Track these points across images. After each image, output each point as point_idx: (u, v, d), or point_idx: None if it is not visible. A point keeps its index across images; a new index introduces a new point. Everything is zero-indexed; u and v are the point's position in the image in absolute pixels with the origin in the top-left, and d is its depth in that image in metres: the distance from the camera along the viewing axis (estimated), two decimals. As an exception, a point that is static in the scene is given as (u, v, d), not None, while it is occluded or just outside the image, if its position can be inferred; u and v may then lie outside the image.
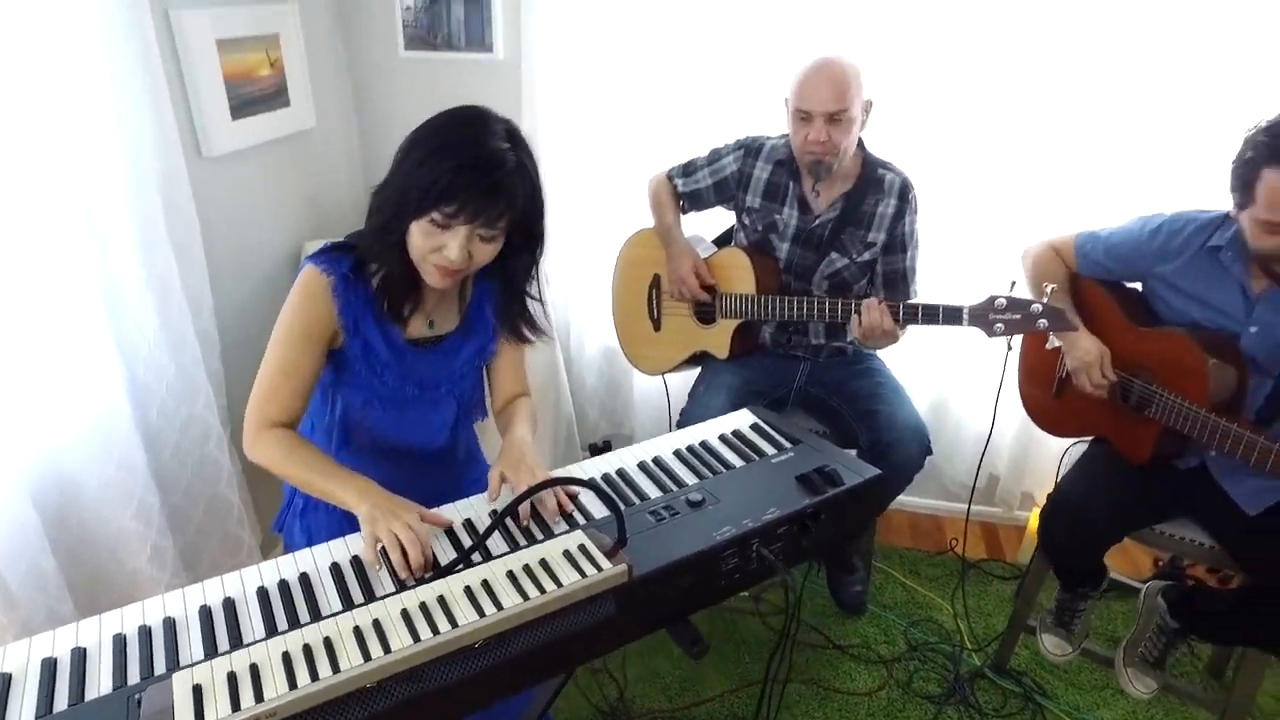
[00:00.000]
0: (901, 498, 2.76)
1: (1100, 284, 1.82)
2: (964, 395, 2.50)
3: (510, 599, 1.02)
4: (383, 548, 1.15)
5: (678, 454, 1.46)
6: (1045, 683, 2.11)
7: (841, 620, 2.31)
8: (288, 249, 2.28)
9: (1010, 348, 1.87)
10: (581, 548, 1.10)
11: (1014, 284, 1.61)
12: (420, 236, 1.24)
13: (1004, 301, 1.59)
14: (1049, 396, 1.95)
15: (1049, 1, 2.01)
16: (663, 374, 2.27)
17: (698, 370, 2.20)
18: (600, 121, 2.37)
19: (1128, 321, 1.75)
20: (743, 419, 1.58)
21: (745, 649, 2.17)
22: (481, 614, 0.99)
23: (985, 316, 1.62)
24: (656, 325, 2.23)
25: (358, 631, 0.96)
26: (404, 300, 1.35)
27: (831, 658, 2.18)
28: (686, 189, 2.12)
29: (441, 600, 1.01)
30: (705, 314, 2.12)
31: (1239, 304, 1.61)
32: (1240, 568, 1.70)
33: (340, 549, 1.21)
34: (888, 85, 2.11)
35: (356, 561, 1.18)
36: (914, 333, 2.24)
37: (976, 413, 2.47)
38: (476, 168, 1.19)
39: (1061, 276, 1.84)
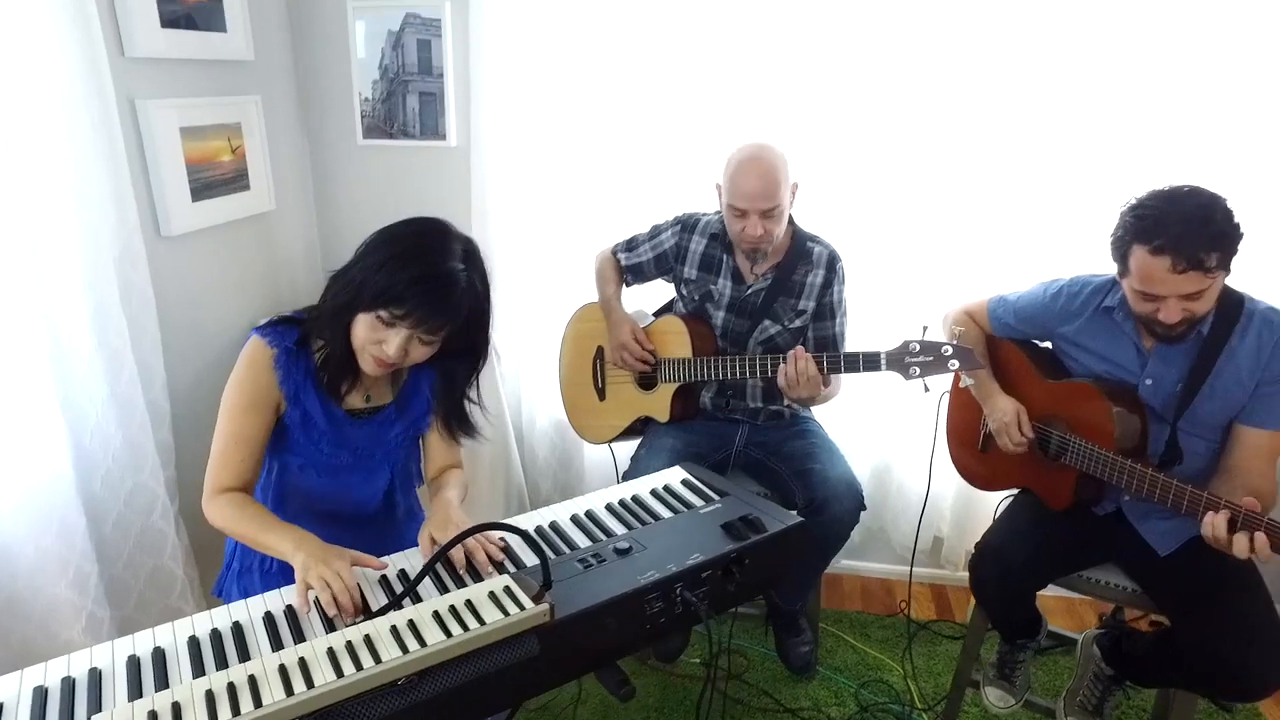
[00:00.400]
0: (852, 562, 2.84)
1: (1015, 343, 1.94)
2: (904, 459, 2.58)
3: (434, 636, 1.05)
4: (316, 598, 1.18)
5: (609, 507, 1.51)
6: (994, 741, 2.13)
7: (792, 684, 2.31)
8: (244, 325, 2.34)
9: (943, 393, 1.98)
10: (506, 589, 1.15)
11: (925, 329, 1.71)
12: (365, 328, 1.34)
13: (917, 346, 1.70)
14: (975, 454, 2.04)
15: (961, 90, 2.21)
16: (609, 442, 2.33)
17: (643, 437, 2.26)
18: (546, 202, 2.50)
19: (1040, 376, 1.86)
20: (674, 475, 1.64)
21: (698, 715, 2.17)
22: (405, 650, 1.03)
23: (901, 360, 1.72)
24: (601, 395, 2.31)
25: (283, 669, 0.99)
26: (342, 379, 1.43)
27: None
28: (629, 262, 2.24)
29: (367, 639, 1.05)
30: (647, 381, 2.21)
31: (1133, 358, 1.73)
32: (1159, 608, 1.77)
33: (274, 599, 1.24)
34: (816, 162, 2.29)
35: (290, 611, 1.21)
36: (851, 398, 2.37)
37: (917, 475, 2.55)
38: (429, 282, 1.30)
39: (977, 337, 1.97)
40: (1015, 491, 2.00)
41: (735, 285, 2.10)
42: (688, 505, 1.51)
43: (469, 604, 1.12)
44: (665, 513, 1.49)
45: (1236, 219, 1.51)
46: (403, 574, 1.32)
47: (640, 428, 2.25)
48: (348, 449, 1.48)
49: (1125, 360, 1.74)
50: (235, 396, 1.40)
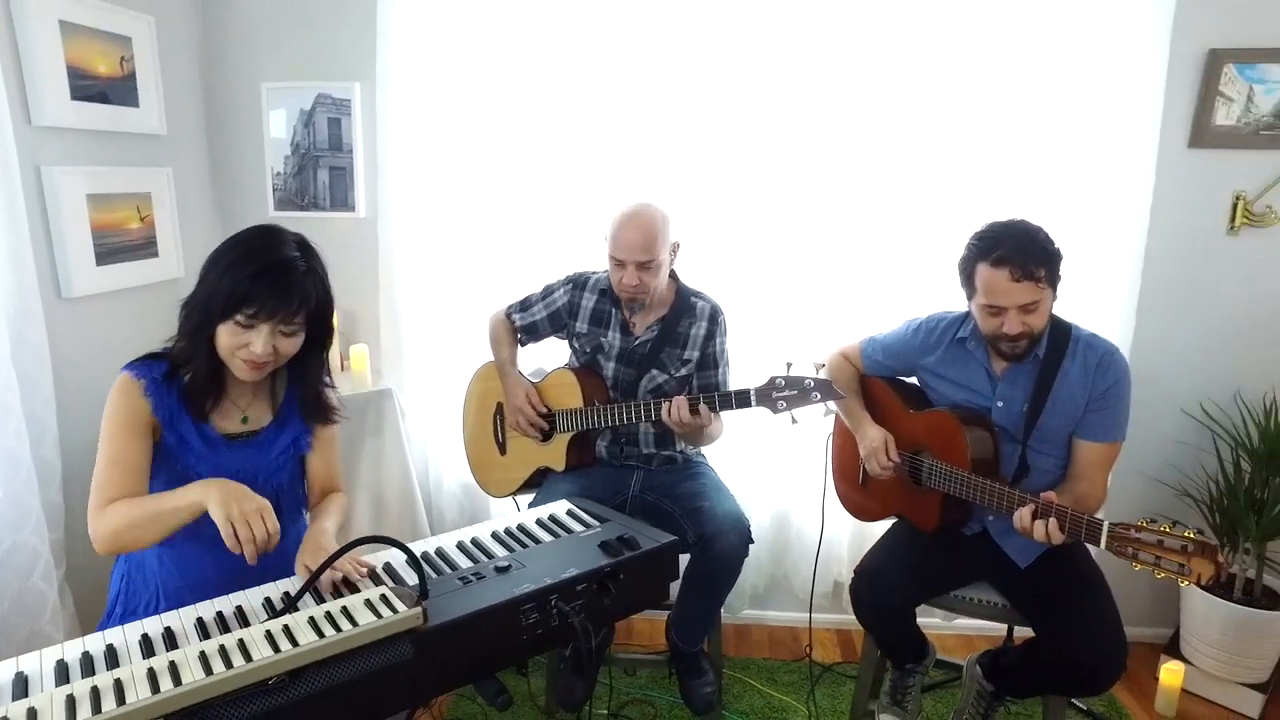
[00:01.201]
0: (758, 612, 2.91)
1: (883, 380, 2.11)
2: (800, 506, 2.70)
3: (306, 637, 1.09)
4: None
5: (494, 535, 1.57)
6: (893, 773, 2.18)
7: (700, 729, 2.34)
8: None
9: (828, 435, 2.12)
10: (382, 597, 1.20)
11: (790, 365, 1.86)
12: (227, 336, 1.40)
13: (782, 381, 1.84)
14: (857, 488, 2.18)
15: (827, 161, 2.48)
16: (511, 494, 2.39)
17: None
18: (449, 268, 2.64)
19: (906, 409, 2.03)
20: (559, 507, 1.72)
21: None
22: (277, 650, 1.06)
23: (769, 395, 1.85)
24: (502, 449, 2.38)
25: (151, 672, 1.02)
26: (207, 396, 1.47)
27: (689, 766, 2.20)
28: (523, 322, 2.35)
29: (241, 643, 1.08)
30: (545, 433, 2.29)
31: (985, 382, 1.92)
32: (1024, 617, 1.89)
33: (153, 624, 1.25)
34: (701, 225, 2.50)
35: (168, 632, 1.22)
36: (747, 448, 2.51)
37: (814, 521, 2.65)
38: (270, 273, 1.38)
39: (851, 376, 2.13)
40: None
41: (624, 337, 2.23)
42: (569, 530, 1.58)
43: (344, 610, 1.16)
44: (547, 537, 1.56)
45: (1049, 237, 1.77)
46: (286, 595, 1.35)
47: (540, 479, 2.32)
48: (227, 473, 1.47)
49: (978, 385, 1.92)
50: (110, 424, 1.42)
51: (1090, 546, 1.71)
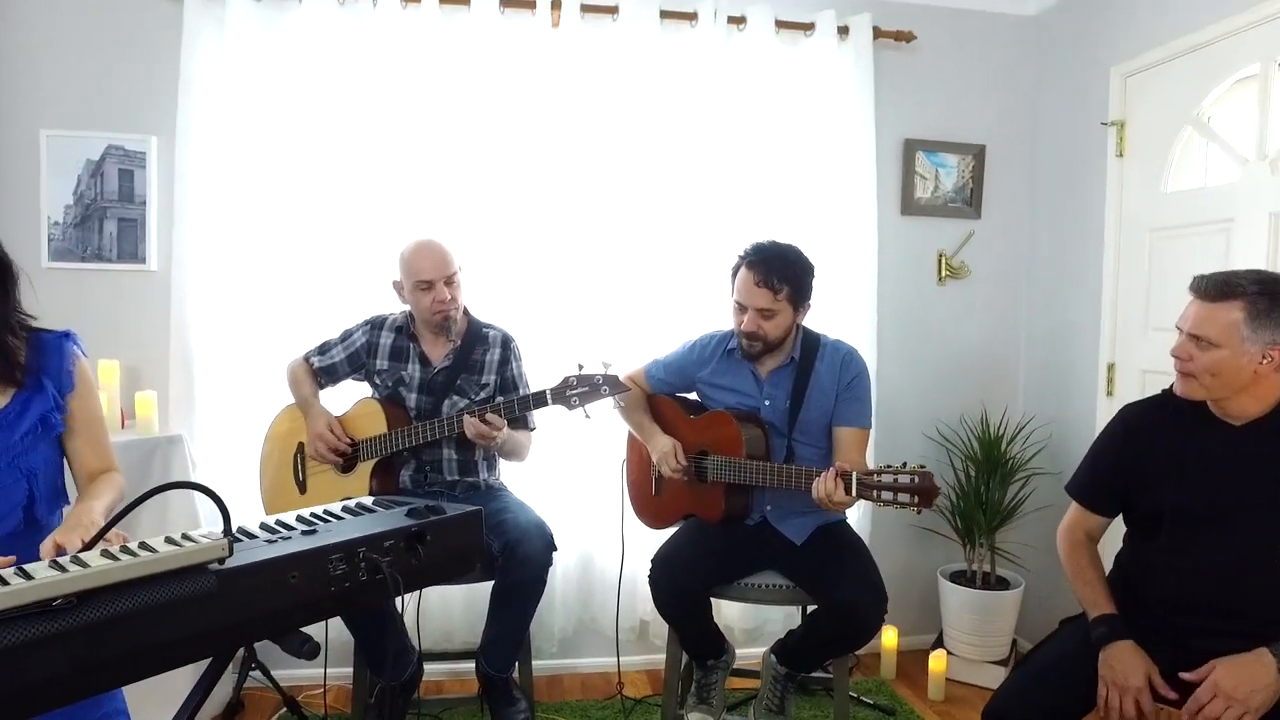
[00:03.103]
0: (569, 660, 2.93)
1: (667, 397, 2.35)
2: (603, 547, 2.81)
3: (98, 562, 1.07)
4: None
5: (298, 517, 1.57)
6: (703, 776, 2.26)
7: (515, 765, 2.30)
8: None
9: (622, 461, 2.29)
10: (185, 534, 1.19)
11: (581, 366, 2.04)
12: None
13: (575, 380, 2.01)
14: (650, 497, 2.36)
15: (604, 207, 2.78)
16: (315, 535, 2.33)
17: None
18: (244, 317, 2.63)
19: (688, 417, 2.26)
20: (365, 498, 1.74)
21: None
22: (63, 572, 1.03)
23: (564, 394, 2.02)
24: (303, 489, 2.35)
25: (-86, 591, 0.96)
26: None
27: (504, 798, 2.15)
28: (322, 364, 2.39)
29: (21, 570, 1.04)
30: (348, 465, 2.30)
31: (753, 385, 2.21)
32: (805, 591, 2.11)
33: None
34: (489, 267, 2.70)
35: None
36: (549, 487, 2.63)
37: (617, 559, 2.77)
38: None
39: (639, 396, 2.35)
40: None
41: (423, 368, 2.34)
42: (373, 510, 1.61)
43: (143, 544, 1.14)
44: (352, 516, 1.58)
45: (807, 265, 2.13)
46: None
47: (344, 514, 2.29)
48: None
49: (747, 388, 2.20)
50: None
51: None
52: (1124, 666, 1.60)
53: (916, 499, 1.77)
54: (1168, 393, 1.76)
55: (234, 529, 1.46)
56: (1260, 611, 1.58)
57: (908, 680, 2.91)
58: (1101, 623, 1.69)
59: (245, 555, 1.23)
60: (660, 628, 2.88)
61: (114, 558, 1.08)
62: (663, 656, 2.91)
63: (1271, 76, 2.17)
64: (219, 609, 1.16)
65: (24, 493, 1.45)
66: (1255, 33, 2.20)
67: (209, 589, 1.15)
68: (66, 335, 1.55)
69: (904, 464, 1.86)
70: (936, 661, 2.78)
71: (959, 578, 2.96)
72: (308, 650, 1.29)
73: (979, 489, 2.91)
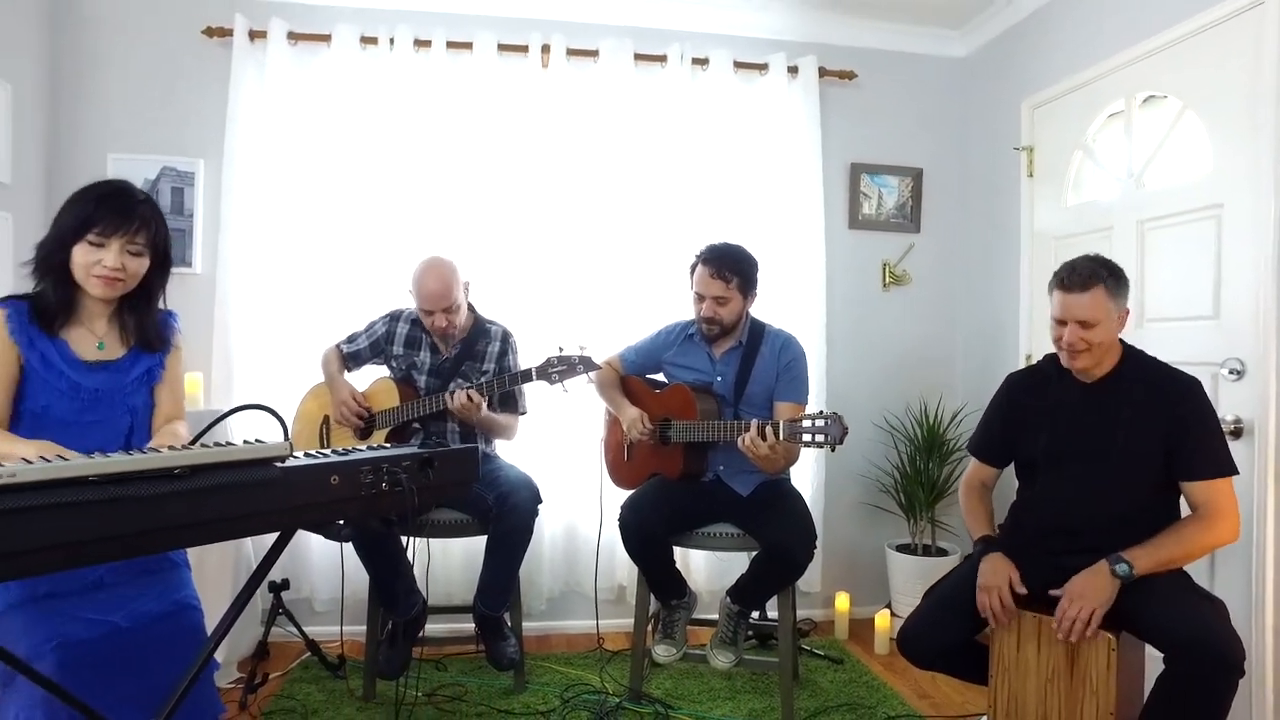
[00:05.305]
0: (556, 622, 3.28)
1: (636, 378, 2.76)
2: (585, 518, 3.18)
3: (197, 451, 1.46)
4: None
5: (334, 450, 1.97)
6: (674, 703, 2.62)
7: (508, 697, 2.66)
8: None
9: (601, 438, 2.69)
10: (258, 439, 1.58)
11: (561, 348, 2.43)
12: (82, 256, 1.65)
13: (555, 360, 2.41)
14: (623, 462, 2.75)
15: (589, 211, 3.20)
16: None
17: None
18: (278, 312, 3.05)
19: (653, 392, 2.67)
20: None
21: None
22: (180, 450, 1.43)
23: (545, 371, 2.41)
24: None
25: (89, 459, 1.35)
26: (56, 313, 1.71)
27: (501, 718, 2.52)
28: (349, 350, 2.80)
29: (154, 448, 1.43)
30: (365, 433, 2.69)
31: (708, 364, 2.62)
32: (753, 536, 2.48)
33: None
34: (491, 269, 3.11)
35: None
36: (539, 464, 2.99)
37: (596, 528, 3.13)
38: (111, 196, 1.70)
39: (614, 377, 2.76)
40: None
41: (433, 356, 2.74)
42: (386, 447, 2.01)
43: (229, 443, 1.54)
44: (373, 452, 1.97)
45: (751, 260, 2.55)
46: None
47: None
48: (87, 392, 1.73)
49: (702, 366, 2.62)
50: None
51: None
52: (991, 571, 1.99)
53: (827, 434, 2.14)
54: (1043, 360, 2.17)
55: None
56: (1102, 535, 1.94)
57: (858, 641, 3.26)
58: (979, 542, 2.10)
59: (296, 464, 1.62)
60: (635, 594, 3.26)
61: (212, 447, 1.48)
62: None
63: (1133, 111, 2.62)
64: (281, 494, 1.54)
65: (127, 424, 1.82)
66: (1120, 74, 2.66)
67: (275, 477, 1.54)
68: (171, 314, 1.93)
69: (820, 411, 2.25)
70: (882, 620, 3.14)
71: (904, 549, 3.34)
72: (345, 534, 1.67)
73: (920, 469, 3.30)
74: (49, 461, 1.26)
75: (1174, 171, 2.53)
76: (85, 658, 1.50)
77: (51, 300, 1.71)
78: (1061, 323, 1.98)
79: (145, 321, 1.82)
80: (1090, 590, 1.85)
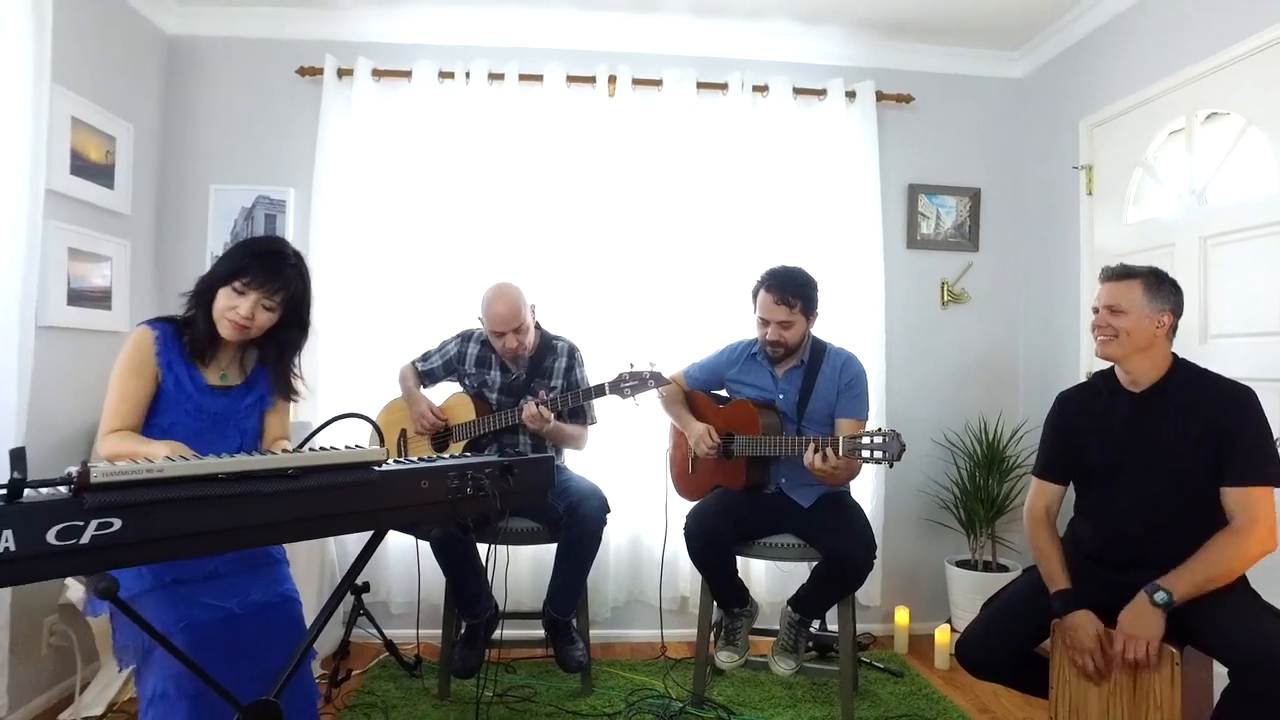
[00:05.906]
0: (622, 630, 3.38)
1: (701, 393, 2.86)
2: (650, 530, 3.28)
3: (311, 454, 1.62)
4: None
5: (419, 458, 2.12)
6: (735, 709, 2.69)
7: (575, 699, 2.76)
8: (90, 421, 2.72)
9: (667, 449, 2.79)
10: (359, 445, 1.74)
11: (632, 364, 2.55)
12: (224, 299, 1.89)
13: (627, 375, 2.53)
14: (688, 475, 2.85)
15: (654, 235, 3.33)
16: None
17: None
18: (361, 328, 3.25)
19: (718, 407, 2.76)
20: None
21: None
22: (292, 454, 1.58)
23: (619, 386, 2.53)
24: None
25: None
26: (204, 346, 1.93)
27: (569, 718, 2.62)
28: (424, 368, 2.97)
29: (269, 452, 1.59)
30: (440, 445, 2.85)
31: (770, 383, 2.70)
32: (813, 547, 2.55)
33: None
34: (564, 290, 3.25)
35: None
36: (607, 481, 3.07)
37: (662, 539, 3.22)
38: (265, 256, 1.93)
39: (679, 393, 2.86)
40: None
41: (504, 374, 2.88)
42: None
43: (333, 448, 1.69)
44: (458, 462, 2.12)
45: (812, 282, 2.63)
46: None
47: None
48: (208, 413, 1.93)
49: (765, 384, 2.70)
50: (121, 366, 1.87)
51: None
52: (1078, 634, 1.98)
53: (885, 450, 2.21)
54: (1094, 376, 2.20)
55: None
56: (1153, 544, 1.97)
57: (918, 655, 3.28)
58: (1057, 597, 2.05)
59: (391, 469, 1.77)
60: (698, 603, 3.34)
61: (319, 451, 1.63)
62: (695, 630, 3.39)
63: (1194, 128, 2.64)
64: (378, 495, 1.68)
65: (237, 445, 2.01)
66: (1181, 91, 2.68)
67: (373, 479, 1.68)
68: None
69: (878, 429, 2.31)
70: (942, 635, 3.16)
71: (964, 565, 3.35)
72: (434, 535, 1.81)
73: (980, 485, 3.32)
74: (186, 460, 1.42)
75: (1238, 188, 2.54)
76: (207, 638, 1.66)
77: (201, 330, 1.92)
78: (1097, 310, 2.06)
79: (278, 374, 2.03)
80: (1138, 628, 1.87)
